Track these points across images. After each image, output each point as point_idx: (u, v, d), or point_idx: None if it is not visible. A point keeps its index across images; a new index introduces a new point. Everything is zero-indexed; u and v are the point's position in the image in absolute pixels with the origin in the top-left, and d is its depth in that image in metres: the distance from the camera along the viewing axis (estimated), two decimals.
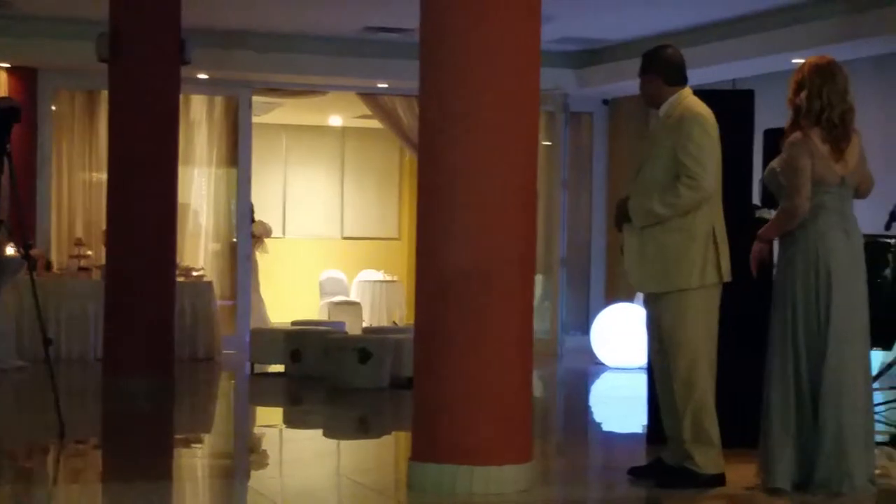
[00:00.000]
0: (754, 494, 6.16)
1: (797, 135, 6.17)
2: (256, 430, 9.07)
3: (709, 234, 6.22)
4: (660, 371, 6.36)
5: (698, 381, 6.21)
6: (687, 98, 6.34)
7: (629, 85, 9.91)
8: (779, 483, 6.12)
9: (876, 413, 6.60)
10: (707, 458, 6.23)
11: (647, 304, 6.44)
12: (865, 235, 6.47)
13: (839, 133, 6.15)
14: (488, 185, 6.01)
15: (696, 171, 6.13)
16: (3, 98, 8.01)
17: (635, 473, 6.50)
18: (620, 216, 6.37)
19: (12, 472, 6.97)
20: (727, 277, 6.29)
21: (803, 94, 6.18)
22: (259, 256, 15.11)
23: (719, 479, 6.26)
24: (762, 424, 6.27)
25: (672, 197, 6.15)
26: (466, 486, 5.92)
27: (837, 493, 6.03)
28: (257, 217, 15.15)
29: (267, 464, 7.57)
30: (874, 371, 6.72)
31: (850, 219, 6.23)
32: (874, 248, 7.28)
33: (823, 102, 6.14)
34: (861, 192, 6.31)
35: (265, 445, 8.32)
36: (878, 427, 6.93)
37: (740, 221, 7.00)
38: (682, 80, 6.38)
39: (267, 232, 15.47)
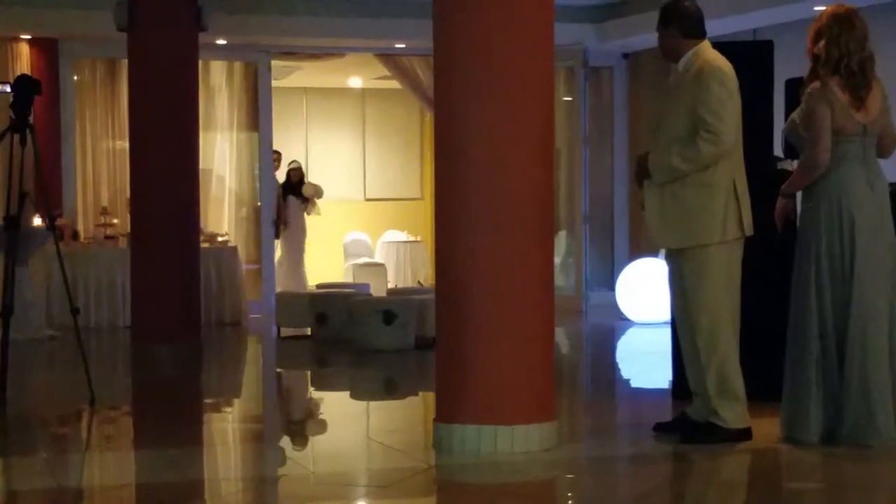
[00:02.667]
0: (781, 448, 6.15)
1: (815, 85, 6.13)
2: (284, 394, 9.13)
3: (729, 189, 6.18)
4: (683, 326, 6.34)
5: (722, 335, 6.19)
6: (706, 51, 6.29)
7: (649, 38, 9.86)
8: (805, 436, 6.11)
9: None
10: (733, 413, 6.22)
11: (669, 259, 6.41)
12: (892, 184, 6.41)
13: (859, 81, 6.10)
14: (505, 141, 5.99)
15: (715, 125, 6.09)
16: (21, 75, 8.08)
17: (661, 429, 6.50)
18: (640, 172, 6.34)
19: (46, 439, 7.06)
20: (749, 231, 6.25)
21: (822, 44, 6.14)
22: (307, 218, 15.10)
23: (745, 434, 6.24)
24: (787, 377, 6.25)
25: (691, 152, 6.11)
26: (491, 445, 5.94)
27: (865, 446, 6.00)
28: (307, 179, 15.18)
29: (296, 427, 7.62)
30: None
31: (873, 167, 6.17)
32: None
33: (842, 50, 6.08)
34: (883, 149, 6.24)
35: (294, 409, 8.38)
36: None
37: (762, 173, 6.96)
38: (700, 33, 6.33)
39: (318, 193, 15.34)
